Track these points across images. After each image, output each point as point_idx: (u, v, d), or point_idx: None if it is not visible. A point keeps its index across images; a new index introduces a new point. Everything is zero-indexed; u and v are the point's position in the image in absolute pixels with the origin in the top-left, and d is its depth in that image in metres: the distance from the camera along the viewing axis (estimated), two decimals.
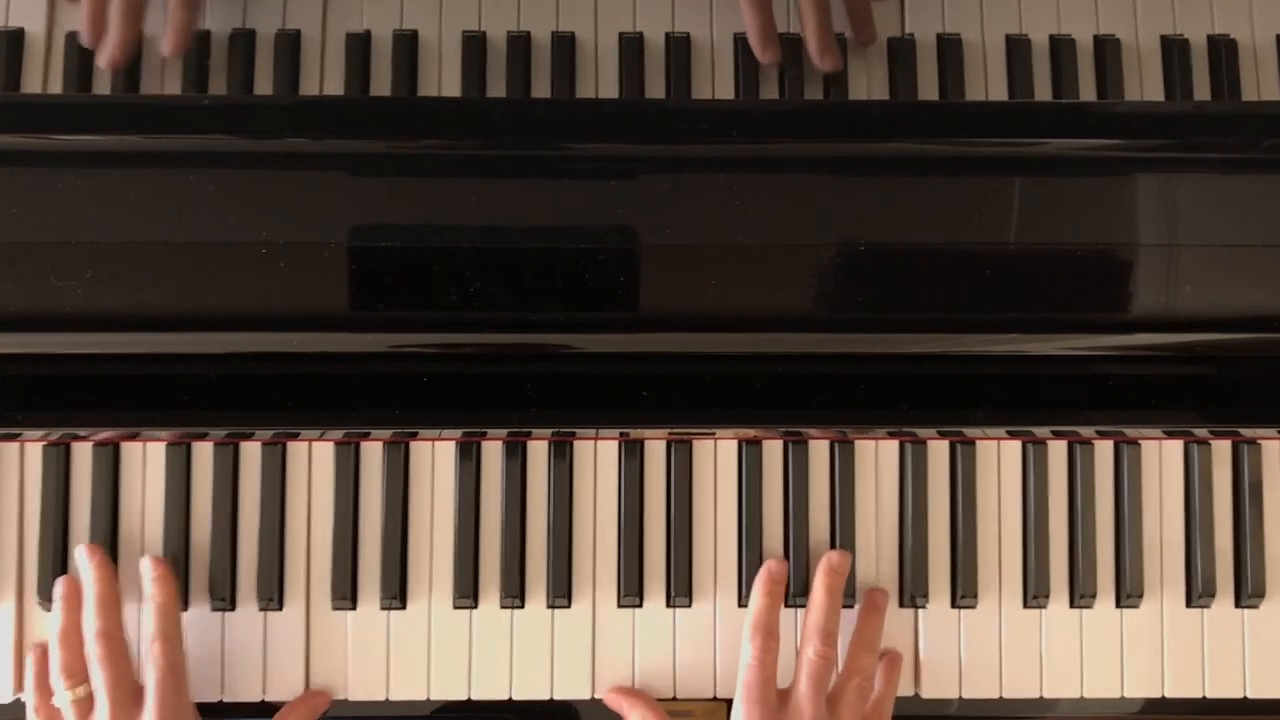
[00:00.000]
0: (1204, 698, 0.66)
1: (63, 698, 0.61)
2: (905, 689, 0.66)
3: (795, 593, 0.66)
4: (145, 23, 0.67)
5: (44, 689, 0.63)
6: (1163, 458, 0.67)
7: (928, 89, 0.69)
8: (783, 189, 0.56)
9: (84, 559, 0.63)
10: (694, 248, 0.55)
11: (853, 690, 0.62)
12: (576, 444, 0.67)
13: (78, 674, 0.61)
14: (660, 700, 0.66)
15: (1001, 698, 0.66)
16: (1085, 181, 0.56)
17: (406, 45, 0.68)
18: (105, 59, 0.66)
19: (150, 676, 0.61)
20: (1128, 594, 0.66)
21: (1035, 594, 0.66)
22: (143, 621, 0.63)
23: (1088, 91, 0.69)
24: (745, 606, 0.66)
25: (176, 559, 0.65)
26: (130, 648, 0.63)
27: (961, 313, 0.56)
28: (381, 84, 0.68)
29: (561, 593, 0.66)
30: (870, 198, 0.56)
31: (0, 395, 0.56)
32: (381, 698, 0.66)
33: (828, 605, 0.63)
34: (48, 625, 0.64)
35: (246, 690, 0.66)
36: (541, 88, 0.69)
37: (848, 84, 0.69)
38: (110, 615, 0.62)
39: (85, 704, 0.61)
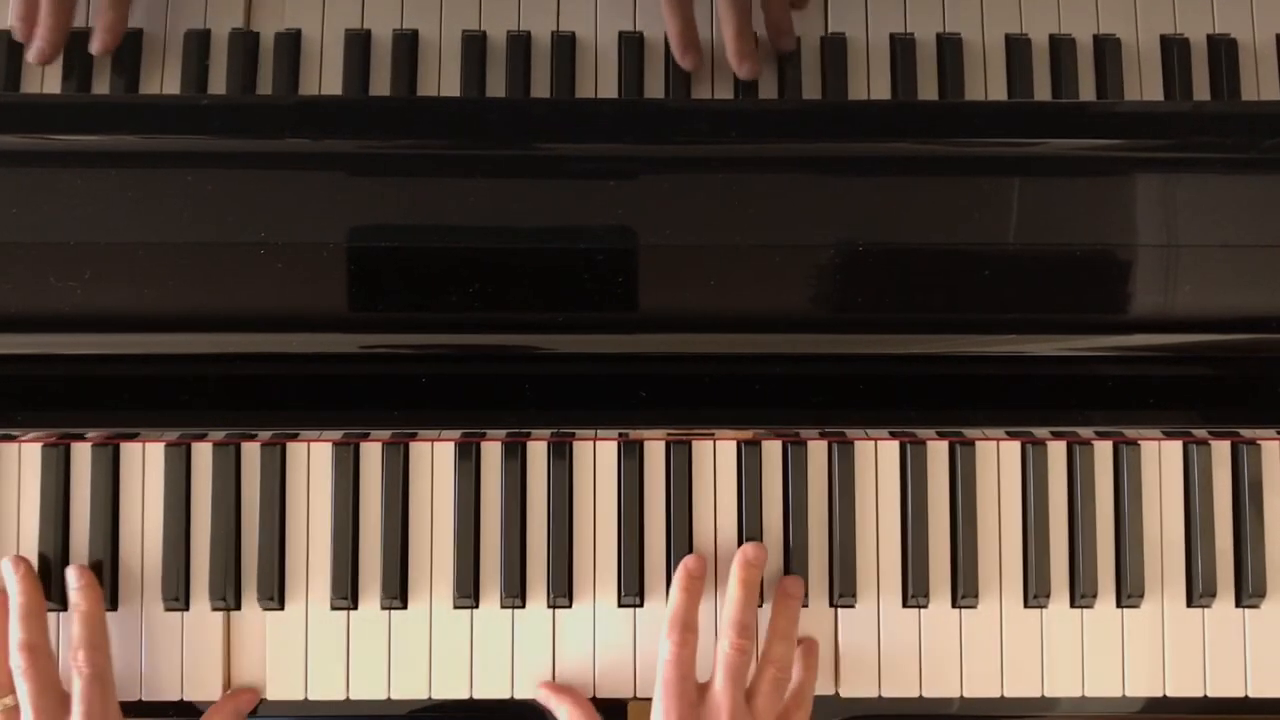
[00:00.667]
0: (1205, 697, 0.66)
1: None
2: (907, 689, 0.66)
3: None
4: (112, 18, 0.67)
5: None
6: (1163, 458, 0.67)
7: (928, 88, 0.69)
8: (782, 189, 0.56)
9: (9, 571, 0.63)
10: (694, 248, 0.55)
11: (768, 681, 0.62)
12: (576, 444, 0.67)
13: (3, 685, 0.62)
14: None
15: (1002, 697, 0.66)
16: (1085, 181, 0.56)
17: (406, 45, 0.68)
18: (34, 54, 0.67)
19: (76, 685, 0.61)
20: (1128, 594, 0.66)
21: (1036, 594, 0.66)
22: (70, 629, 0.63)
23: (1088, 91, 0.69)
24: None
25: (175, 559, 0.65)
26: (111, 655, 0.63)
27: (961, 313, 0.56)
28: (381, 84, 0.68)
29: (562, 593, 0.66)
30: (870, 198, 0.56)
31: (0, 395, 0.56)
32: (382, 697, 0.66)
33: (743, 599, 0.63)
34: (49, 626, 0.64)
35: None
36: (541, 88, 0.69)
37: (847, 84, 0.69)
38: (35, 628, 0.62)
39: (13, 713, 0.61)
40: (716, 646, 0.63)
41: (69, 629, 0.63)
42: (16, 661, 0.61)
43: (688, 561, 0.65)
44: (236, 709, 0.64)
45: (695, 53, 0.67)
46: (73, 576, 0.64)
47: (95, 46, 0.66)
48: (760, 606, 0.65)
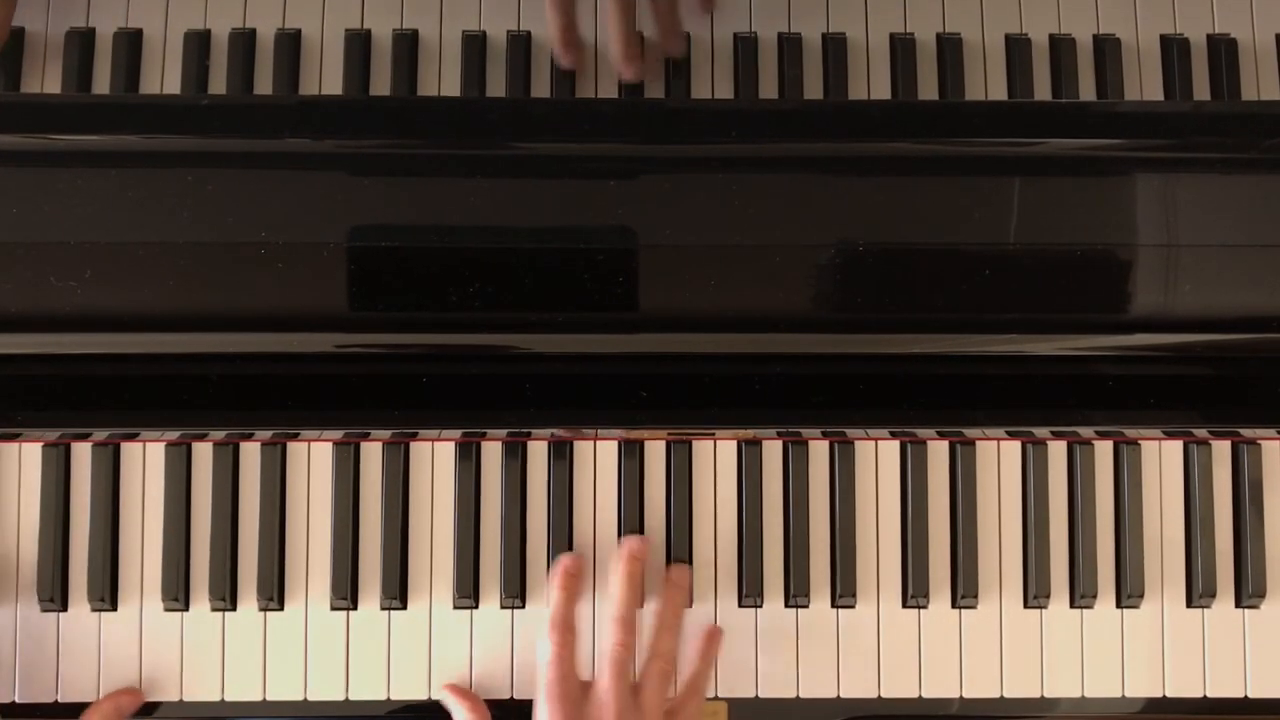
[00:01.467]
0: (1205, 697, 0.66)
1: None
2: (907, 689, 0.66)
3: (796, 593, 0.66)
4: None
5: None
6: (1163, 458, 0.67)
7: (928, 88, 0.69)
8: (782, 189, 0.56)
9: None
10: (694, 248, 0.55)
11: (655, 674, 0.62)
12: (576, 444, 0.67)
13: None
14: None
15: (1002, 697, 0.66)
16: (1085, 181, 0.56)
17: (406, 45, 0.68)
18: None
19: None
20: (1128, 594, 0.66)
21: (1036, 594, 0.66)
22: None
23: (1087, 91, 0.69)
24: (745, 607, 0.66)
25: (176, 559, 0.65)
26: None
27: (961, 313, 0.56)
28: (381, 84, 0.68)
29: None
30: (870, 198, 0.56)
31: (0, 395, 0.56)
32: (382, 697, 0.66)
33: (626, 594, 0.63)
34: (48, 626, 0.65)
35: (247, 690, 0.66)
36: (541, 88, 0.69)
37: (847, 84, 0.69)
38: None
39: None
40: (600, 643, 0.62)
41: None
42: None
43: (564, 560, 0.64)
44: (117, 707, 0.64)
45: (575, 51, 0.67)
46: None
47: None
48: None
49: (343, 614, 0.66)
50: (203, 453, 0.66)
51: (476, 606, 0.66)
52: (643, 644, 0.64)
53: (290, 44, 0.68)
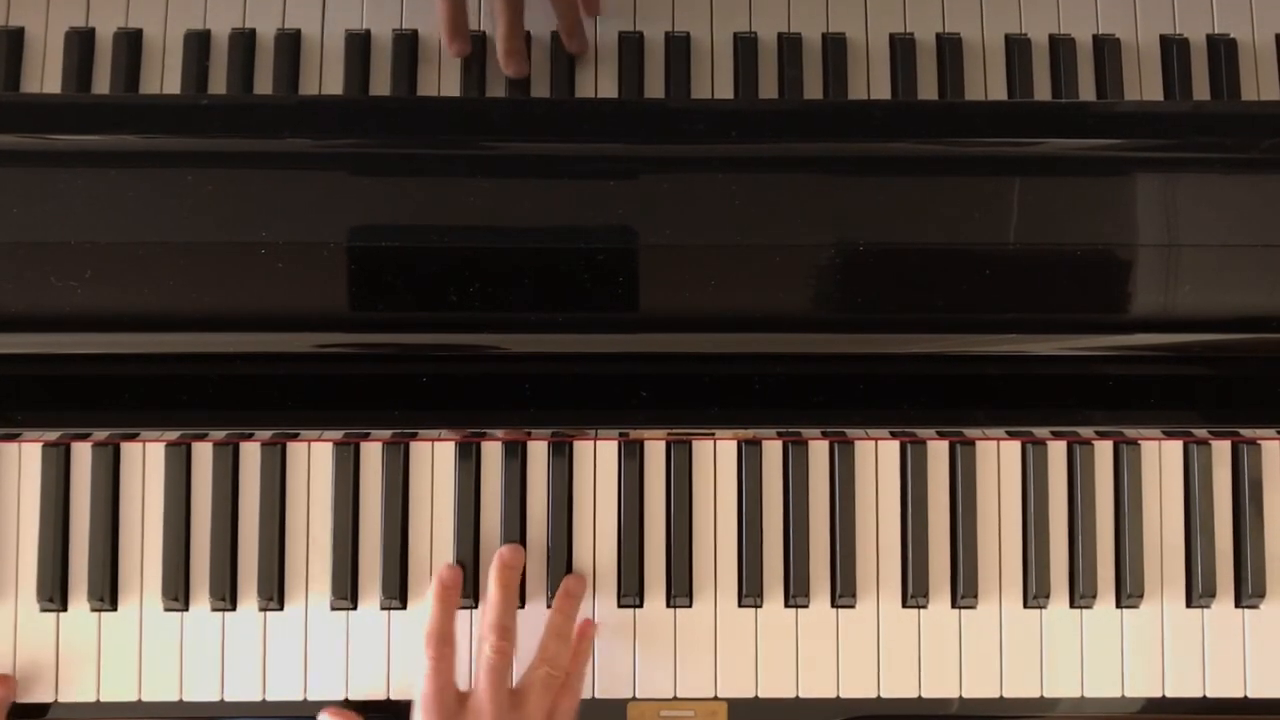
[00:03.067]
0: (1204, 697, 0.66)
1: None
2: (907, 689, 0.66)
3: (795, 592, 0.66)
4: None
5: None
6: (1163, 458, 0.67)
7: (928, 88, 0.69)
8: (782, 189, 0.56)
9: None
10: (694, 248, 0.55)
11: (540, 679, 0.62)
12: (576, 444, 0.67)
13: None
14: (660, 700, 0.66)
15: (1002, 697, 0.66)
16: (1085, 181, 0.56)
17: (406, 45, 0.68)
18: None
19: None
20: (1128, 594, 0.66)
21: (1035, 594, 0.66)
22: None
23: (1087, 91, 0.69)
24: (746, 606, 0.66)
25: (177, 559, 0.65)
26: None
27: (961, 313, 0.56)
28: (381, 84, 0.68)
29: None
30: (870, 198, 0.56)
31: (0, 395, 0.56)
32: (383, 697, 0.66)
33: (502, 601, 0.63)
34: (48, 626, 0.65)
35: (247, 690, 0.66)
36: (541, 88, 0.69)
37: (847, 84, 0.69)
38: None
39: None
40: (477, 651, 0.62)
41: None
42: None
43: (442, 573, 0.64)
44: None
45: (463, 40, 0.67)
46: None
47: None
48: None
49: (343, 614, 0.66)
50: (203, 453, 0.66)
51: (476, 606, 0.66)
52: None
53: (290, 44, 0.68)
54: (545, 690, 0.62)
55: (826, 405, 0.58)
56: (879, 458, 0.67)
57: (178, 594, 0.65)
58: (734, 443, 0.67)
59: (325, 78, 0.68)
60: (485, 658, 0.61)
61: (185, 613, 0.66)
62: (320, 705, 0.65)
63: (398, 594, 0.66)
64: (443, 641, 0.62)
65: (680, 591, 0.66)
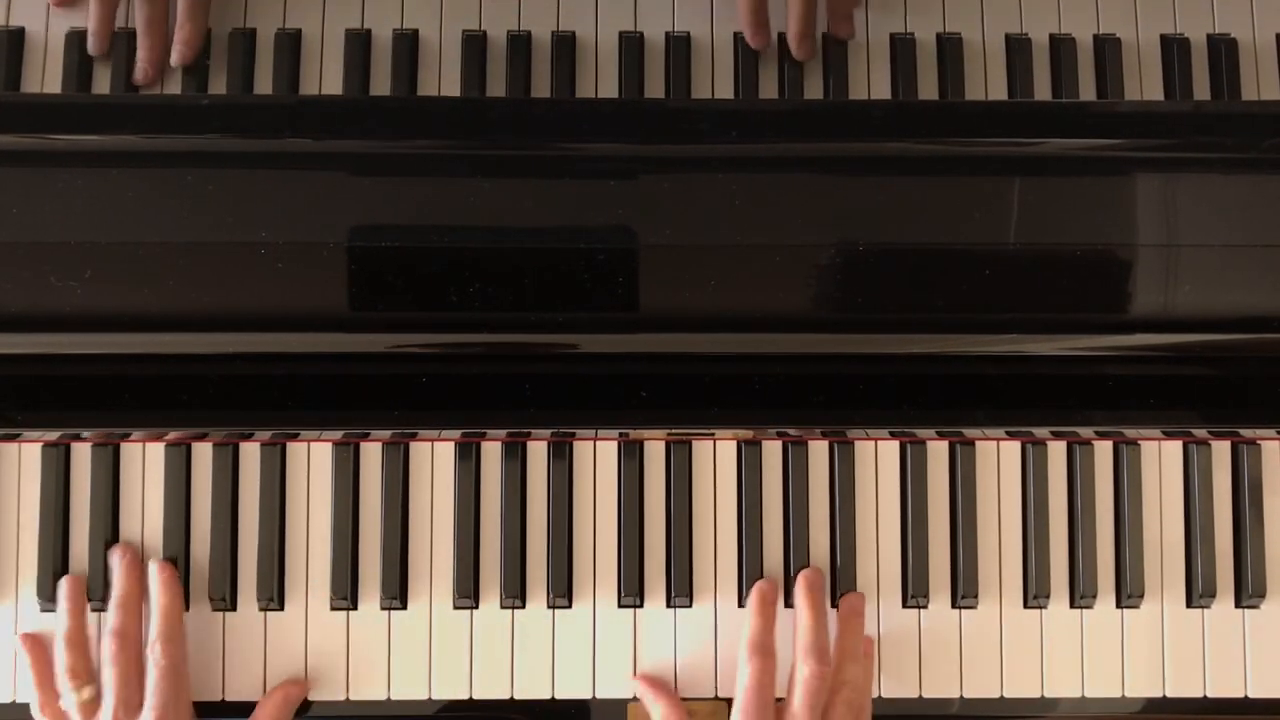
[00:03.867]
0: (1205, 697, 0.66)
1: (69, 699, 0.62)
2: (907, 689, 0.66)
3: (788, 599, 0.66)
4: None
5: (48, 688, 0.63)
6: (1163, 458, 0.67)
7: (928, 88, 0.69)
8: (782, 189, 0.56)
9: (114, 560, 0.64)
10: (694, 248, 0.55)
11: (842, 703, 0.62)
12: (576, 444, 0.67)
13: (83, 675, 0.62)
14: None
15: (1002, 698, 0.66)
16: (1085, 181, 0.56)
17: (406, 45, 0.68)
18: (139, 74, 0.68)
19: (151, 676, 0.61)
20: (1128, 594, 0.66)
21: (1035, 594, 0.66)
22: (149, 623, 0.63)
23: (1088, 91, 0.69)
24: (745, 607, 0.66)
25: (177, 559, 0.65)
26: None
27: (961, 313, 0.56)
28: (381, 84, 0.68)
29: (562, 593, 0.66)
30: (870, 198, 0.56)
31: (0, 395, 0.56)
32: (383, 697, 0.66)
33: (815, 623, 0.63)
34: (49, 625, 0.65)
35: (248, 690, 0.66)
36: (541, 88, 0.69)
37: (847, 83, 0.69)
38: (128, 615, 0.63)
39: (92, 705, 0.62)
40: (794, 671, 0.63)
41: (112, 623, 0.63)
42: (107, 645, 0.62)
43: (761, 585, 0.65)
44: (285, 697, 0.64)
45: (766, 32, 0.68)
46: (154, 570, 0.64)
47: (174, 58, 0.67)
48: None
49: (343, 614, 0.66)
50: (203, 453, 0.66)
51: (476, 606, 0.66)
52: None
53: (290, 44, 0.68)
54: (849, 713, 0.63)
55: (826, 405, 0.58)
56: (879, 458, 0.67)
57: (182, 597, 0.65)
58: (734, 443, 0.67)
59: (325, 78, 0.68)
60: (804, 681, 0.62)
61: (185, 613, 0.65)
62: (320, 705, 0.65)
63: (398, 594, 0.66)
64: (765, 653, 0.63)
65: (680, 592, 0.66)
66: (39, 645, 0.64)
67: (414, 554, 0.66)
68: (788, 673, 0.63)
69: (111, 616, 0.63)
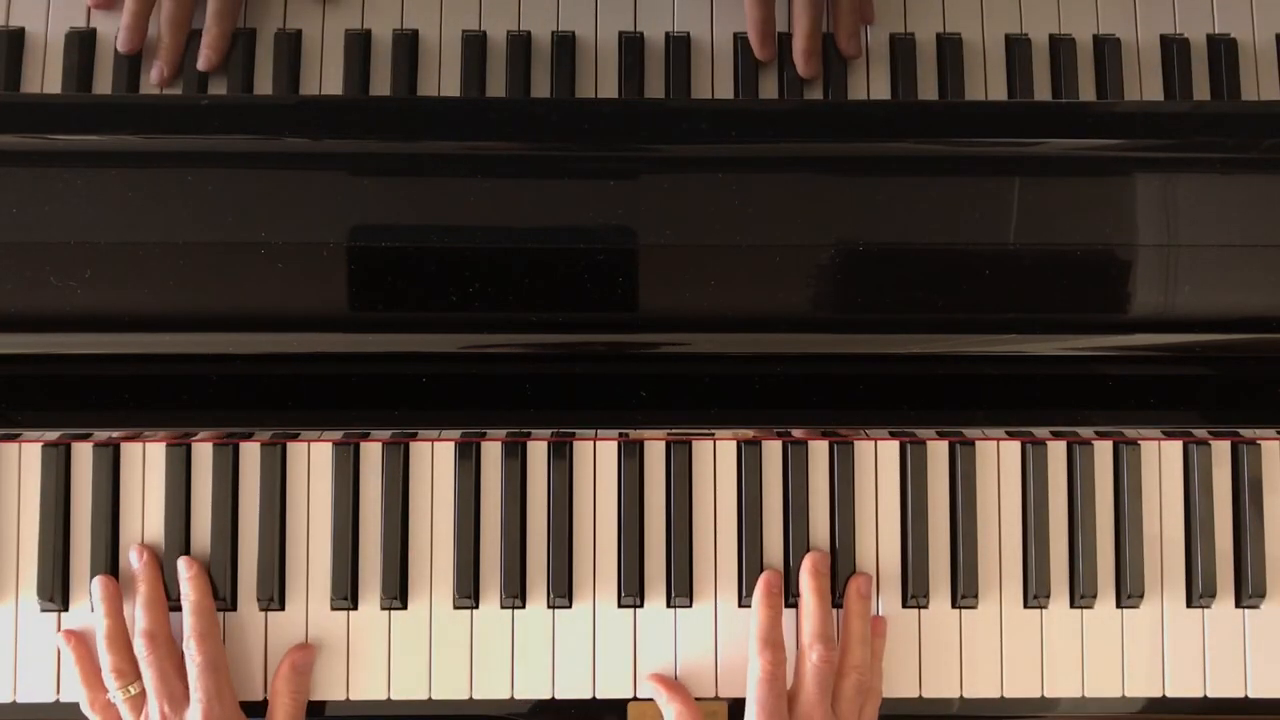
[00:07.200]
0: (1205, 697, 0.66)
1: (117, 696, 0.63)
2: (907, 689, 0.66)
3: (796, 593, 0.66)
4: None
5: (95, 684, 0.64)
6: (1162, 458, 0.67)
7: (928, 89, 0.69)
8: (782, 189, 0.56)
9: (134, 560, 0.65)
10: (694, 248, 0.55)
11: (851, 686, 0.63)
12: (576, 444, 0.67)
13: (128, 673, 0.63)
14: None
15: (1002, 697, 0.66)
16: (1085, 181, 0.56)
17: (406, 45, 0.68)
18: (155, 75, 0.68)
19: (191, 674, 0.62)
20: (1128, 594, 0.66)
21: (1035, 594, 0.66)
22: (183, 621, 0.64)
23: (1088, 91, 0.69)
24: (746, 607, 0.66)
25: (177, 559, 0.65)
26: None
27: (961, 313, 0.56)
28: (381, 84, 0.68)
29: (562, 593, 0.66)
30: (870, 198, 0.56)
31: (0, 395, 0.56)
32: (383, 697, 0.66)
33: (821, 609, 0.64)
34: (48, 625, 0.65)
35: (249, 689, 0.66)
36: (541, 88, 0.69)
37: (846, 84, 0.69)
38: (155, 616, 0.64)
39: (139, 699, 0.63)
40: (801, 658, 0.63)
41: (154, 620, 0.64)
42: (140, 648, 0.63)
43: (767, 576, 0.65)
44: (294, 665, 0.64)
45: (773, 44, 0.68)
46: (183, 567, 0.65)
47: (201, 62, 0.67)
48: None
49: (343, 614, 0.66)
50: (203, 453, 0.66)
51: (477, 606, 0.66)
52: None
53: (290, 44, 0.68)
54: (857, 696, 0.64)
55: (826, 405, 0.58)
56: (879, 458, 0.67)
57: (178, 594, 0.65)
58: (734, 443, 0.67)
59: (325, 78, 0.68)
60: (813, 667, 0.63)
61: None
62: (320, 706, 0.65)
63: (398, 594, 0.66)
64: (776, 647, 0.63)
65: (680, 591, 0.66)
66: (82, 642, 0.65)
67: (414, 554, 0.66)
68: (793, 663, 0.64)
69: (140, 618, 0.64)
